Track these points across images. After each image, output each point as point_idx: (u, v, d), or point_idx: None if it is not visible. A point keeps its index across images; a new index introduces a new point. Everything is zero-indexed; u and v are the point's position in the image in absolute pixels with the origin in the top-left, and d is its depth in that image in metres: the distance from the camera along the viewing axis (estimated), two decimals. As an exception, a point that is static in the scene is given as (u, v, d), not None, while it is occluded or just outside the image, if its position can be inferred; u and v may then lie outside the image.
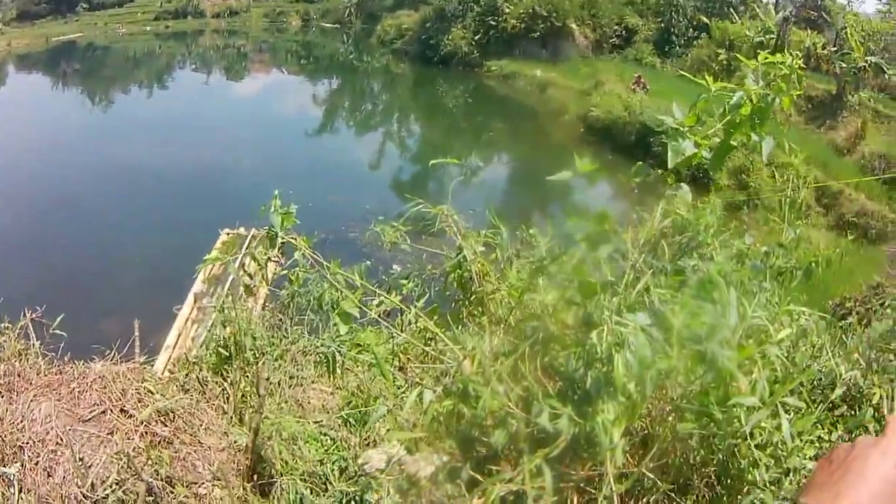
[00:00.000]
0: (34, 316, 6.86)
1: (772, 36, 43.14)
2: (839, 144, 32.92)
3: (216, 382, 7.42)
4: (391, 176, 32.18)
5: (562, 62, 51.53)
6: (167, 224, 24.64)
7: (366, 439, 6.90)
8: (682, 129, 3.56)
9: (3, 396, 5.53)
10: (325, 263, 4.20)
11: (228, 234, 19.68)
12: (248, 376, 7.37)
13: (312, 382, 8.26)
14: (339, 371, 6.10)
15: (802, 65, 3.93)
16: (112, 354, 6.60)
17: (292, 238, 4.36)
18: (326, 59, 71.08)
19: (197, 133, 38.29)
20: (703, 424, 3.64)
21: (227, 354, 7.70)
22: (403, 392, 6.47)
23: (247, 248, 18.51)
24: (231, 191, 27.73)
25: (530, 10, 52.55)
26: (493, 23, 53.79)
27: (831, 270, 5.47)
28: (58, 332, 6.59)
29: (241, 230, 19.77)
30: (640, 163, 4.00)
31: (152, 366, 8.30)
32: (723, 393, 3.47)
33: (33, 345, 6.46)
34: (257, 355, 7.64)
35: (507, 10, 53.52)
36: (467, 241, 4.86)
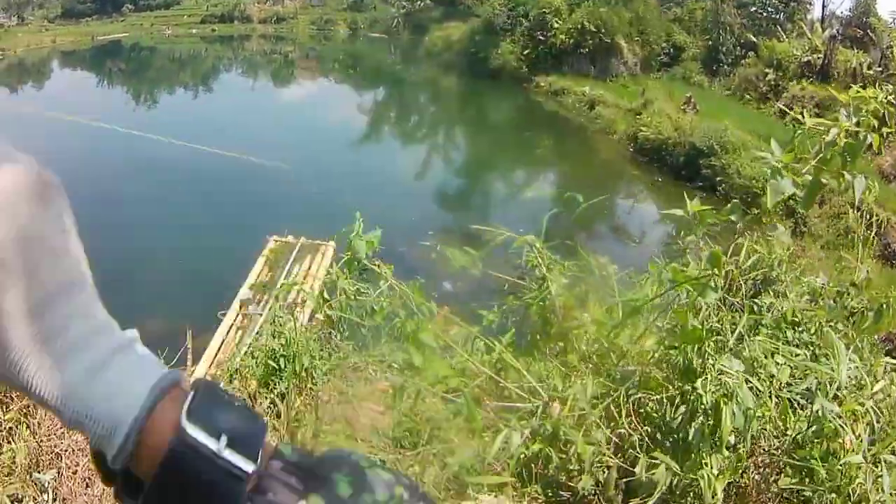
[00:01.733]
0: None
1: (819, 55, 42.73)
2: (885, 170, 32.05)
3: (264, 395, 7.12)
4: (437, 189, 31.83)
5: (610, 79, 51.35)
6: (209, 226, 24.48)
7: (413, 466, 6.58)
8: (779, 167, 3.48)
9: (42, 399, 5.24)
10: (409, 292, 3.94)
11: (276, 241, 19.34)
12: (300, 392, 7.04)
13: (362, 400, 7.95)
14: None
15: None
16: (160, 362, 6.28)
17: (376, 264, 4.11)
18: (373, 69, 71.15)
19: (241, 136, 38.16)
20: (801, 480, 3.77)
21: (276, 367, 7.40)
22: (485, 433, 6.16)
23: (295, 257, 18.36)
24: (274, 196, 27.53)
25: (579, 26, 52.23)
26: (542, 38, 53.50)
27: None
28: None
29: (290, 238, 19.45)
30: (735, 201, 3.93)
31: (192, 371, 7.99)
32: (825, 448, 3.64)
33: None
34: (308, 371, 7.32)
35: (555, 25, 53.25)
36: (553, 273, 4.60)
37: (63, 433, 4.93)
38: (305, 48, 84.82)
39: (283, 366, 7.45)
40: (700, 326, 3.71)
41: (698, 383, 3.58)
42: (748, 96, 46.07)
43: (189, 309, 16.36)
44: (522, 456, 3.84)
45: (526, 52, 54.67)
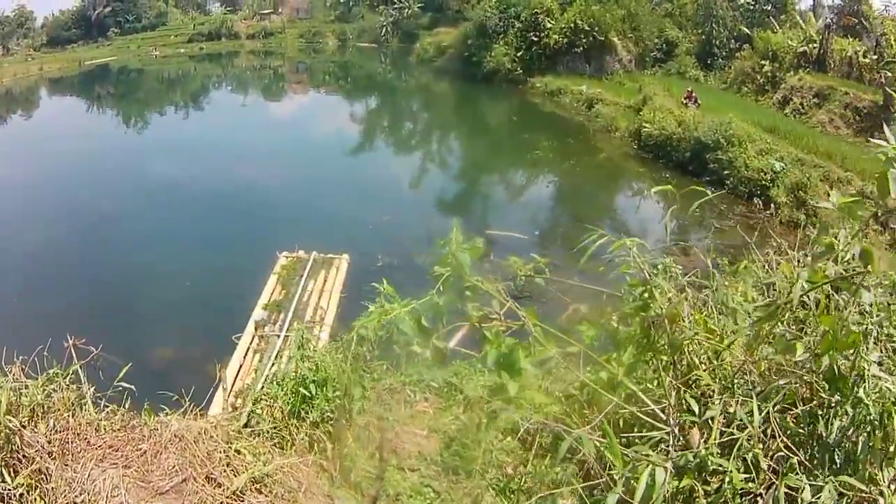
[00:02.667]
0: (77, 343, 5.43)
1: (814, 45, 42.72)
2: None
3: (298, 428, 6.39)
4: (440, 195, 31.26)
5: (605, 77, 51.34)
6: (213, 245, 23.70)
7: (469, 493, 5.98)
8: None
9: (55, 460, 4.35)
10: (522, 314, 3.37)
11: (287, 257, 18.67)
12: (349, 426, 6.36)
13: (403, 425, 7.30)
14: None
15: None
16: (187, 406, 5.46)
17: (479, 281, 3.53)
18: (365, 79, 71.04)
19: (237, 153, 37.62)
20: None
21: (308, 394, 6.69)
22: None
23: (308, 273, 17.72)
24: (274, 211, 26.88)
25: (572, 25, 52.17)
26: (536, 38, 53.25)
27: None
28: (124, 384, 5.23)
29: (301, 253, 18.80)
30: (859, 198, 3.64)
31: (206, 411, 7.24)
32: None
33: (87, 392, 5.08)
34: (352, 399, 6.63)
35: (548, 26, 53.03)
36: (658, 279, 4.18)
37: (84, 501, 4.16)
38: (295, 62, 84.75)
39: (314, 392, 6.76)
40: (857, 331, 3.38)
41: (861, 392, 3.30)
42: (745, 89, 45.91)
43: (201, 332, 15.78)
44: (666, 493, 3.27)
45: (520, 53, 54.32)
